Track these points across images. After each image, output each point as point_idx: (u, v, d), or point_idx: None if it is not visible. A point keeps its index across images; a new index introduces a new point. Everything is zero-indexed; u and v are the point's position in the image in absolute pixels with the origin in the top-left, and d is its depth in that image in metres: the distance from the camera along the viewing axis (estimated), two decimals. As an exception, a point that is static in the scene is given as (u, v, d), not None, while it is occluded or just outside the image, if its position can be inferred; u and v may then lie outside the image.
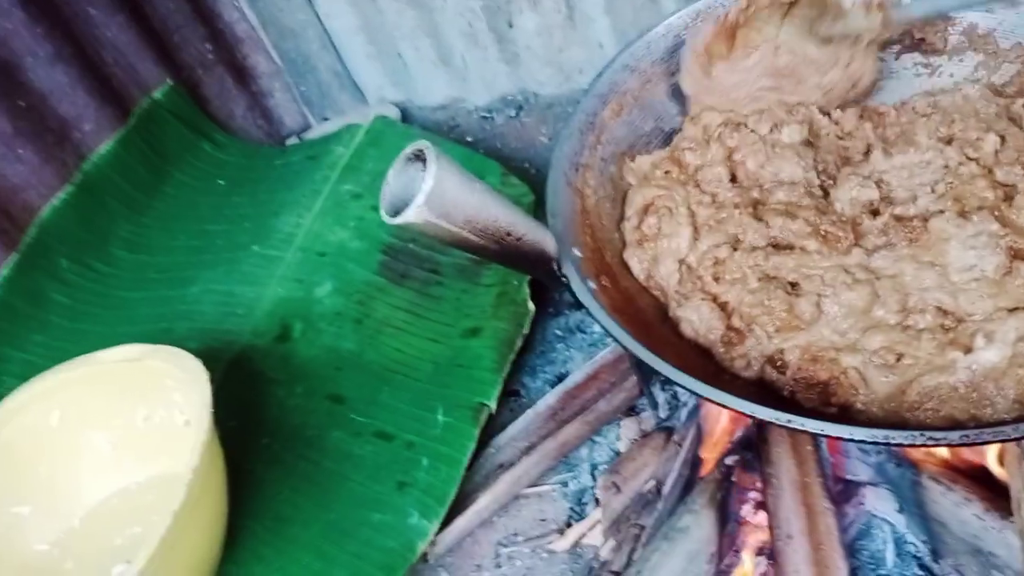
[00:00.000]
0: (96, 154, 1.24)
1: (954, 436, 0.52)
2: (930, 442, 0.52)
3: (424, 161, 0.64)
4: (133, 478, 0.99)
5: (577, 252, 0.73)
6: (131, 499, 0.99)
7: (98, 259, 1.21)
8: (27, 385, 0.95)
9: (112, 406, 0.97)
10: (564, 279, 0.69)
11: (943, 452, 0.74)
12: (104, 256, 1.22)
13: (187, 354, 0.91)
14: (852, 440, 0.54)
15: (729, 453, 0.81)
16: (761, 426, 0.79)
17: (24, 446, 0.95)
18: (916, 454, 0.75)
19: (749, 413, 0.58)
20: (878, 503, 0.77)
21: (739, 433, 0.82)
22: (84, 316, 1.16)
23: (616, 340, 0.65)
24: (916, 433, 0.53)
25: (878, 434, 0.54)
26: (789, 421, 0.56)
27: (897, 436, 0.53)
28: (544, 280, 0.72)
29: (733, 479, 0.79)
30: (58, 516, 0.97)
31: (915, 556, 0.75)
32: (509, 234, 0.67)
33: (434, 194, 0.62)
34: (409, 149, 0.66)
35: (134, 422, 0.98)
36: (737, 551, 0.77)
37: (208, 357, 0.89)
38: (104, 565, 0.95)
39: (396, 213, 0.64)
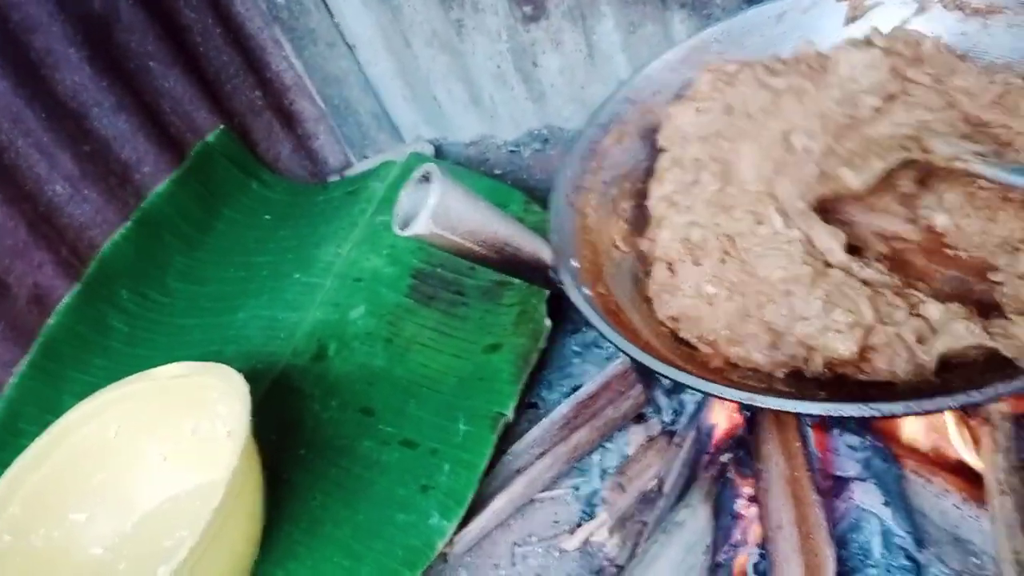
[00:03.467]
0: (154, 193, 1.35)
1: (898, 407, 0.57)
2: (876, 414, 0.57)
3: (431, 182, 0.72)
4: (181, 486, 1.07)
5: (575, 263, 0.79)
6: (179, 505, 1.06)
7: (154, 289, 1.32)
8: (88, 400, 1.03)
9: (163, 419, 1.05)
10: (559, 284, 0.76)
11: (921, 446, 0.78)
12: (160, 286, 1.32)
13: (231, 370, 0.98)
14: (804, 414, 0.59)
15: (724, 451, 0.86)
16: (752, 425, 0.84)
17: (84, 457, 1.03)
18: (898, 449, 0.79)
19: (719, 395, 0.64)
20: (865, 497, 0.80)
21: (734, 434, 0.87)
22: (141, 341, 1.26)
23: (605, 337, 0.72)
24: (862, 405, 0.58)
25: (829, 407, 0.59)
26: (752, 399, 0.62)
27: (847, 409, 0.58)
28: (543, 286, 0.79)
29: (728, 475, 0.84)
30: (113, 522, 1.04)
31: (901, 547, 0.78)
32: (508, 245, 0.74)
33: (439, 209, 0.70)
34: (418, 171, 0.75)
35: (182, 434, 1.06)
36: (731, 543, 0.81)
37: (252, 377, 0.96)
38: (153, 567, 1.01)
39: (407, 226, 0.72)
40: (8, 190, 1.17)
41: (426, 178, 0.74)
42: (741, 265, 0.76)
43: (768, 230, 0.75)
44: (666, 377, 0.66)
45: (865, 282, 0.72)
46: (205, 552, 0.84)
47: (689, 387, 0.65)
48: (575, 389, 1.07)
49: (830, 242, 0.74)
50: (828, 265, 0.74)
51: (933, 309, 0.69)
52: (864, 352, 0.68)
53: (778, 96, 0.82)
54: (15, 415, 1.13)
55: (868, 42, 0.85)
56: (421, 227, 0.70)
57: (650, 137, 0.93)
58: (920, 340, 0.67)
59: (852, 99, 0.80)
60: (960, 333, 0.66)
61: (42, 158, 1.22)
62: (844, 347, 0.68)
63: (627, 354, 0.69)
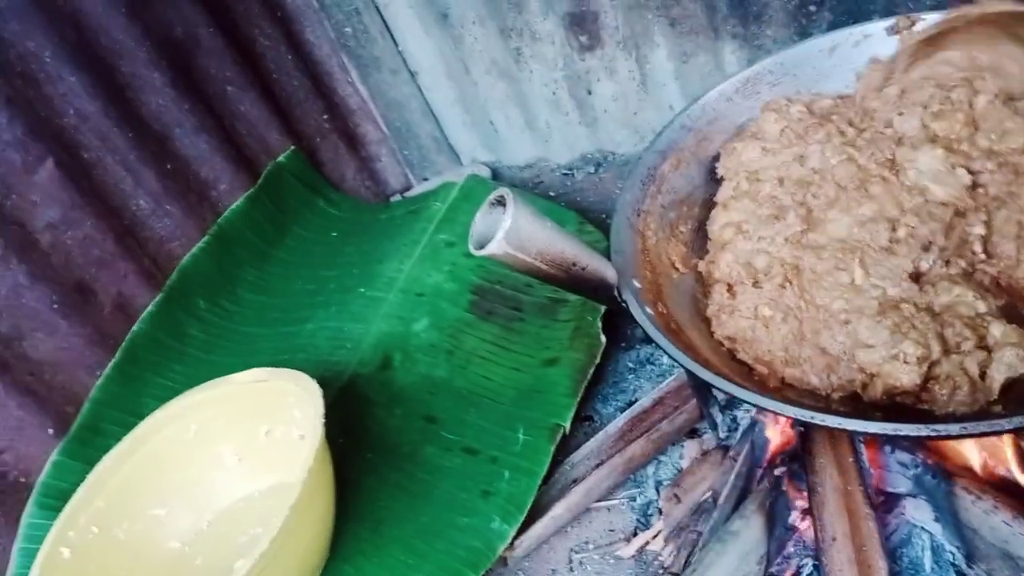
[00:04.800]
0: (229, 210, 1.42)
1: (954, 428, 0.61)
2: (932, 433, 0.61)
3: (505, 205, 0.78)
4: (255, 486, 1.12)
5: (636, 283, 0.84)
6: (253, 504, 1.12)
7: (228, 300, 1.39)
8: (170, 403, 1.09)
9: (240, 422, 1.11)
10: (623, 303, 0.81)
11: (971, 463, 0.81)
12: (233, 297, 1.39)
13: (305, 376, 1.03)
14: (861, 432, 0.63)
15: (778, 465, 0.89)
16: (806, 439, 0.87)
17: (165, 456, 1.08)
18: (948, 466, 0.82)
19: (780, 411, 0.68)
20: (917, 513, 0.84)
21: (788, 448, 0.90)
22: (216, 348, 1.33)
23: (668, 353, 0.76)
24: (921, 425, 0.61)
25: (887, 427, 0.63)
26: (812, 417, 0.66)
27: (906, 428, 0.62)
28: (607, 304, 0.84)
29: (782, 488, 0.88)
30: (190, 518, 1.10)
31: (952, 562, 0.82)
32: (575, 264, 0.79)
33: (512, 231, 0.75)
34: (493, 195, 0.80)
35: (257, 436, 1.11)
36: (785, 554, 0.85)
37: (321, 384, 1.01)
38: (228, 560, 1.06)
39: (481, 247, 0.78)
40: (97, 204, 1.25)
41: (499, 202, 0.79)
42: (800, 292, 0.80)
43: (847, 279, 0.79)
44: (727, 393, 0.70)
45: (932, 311, 0.75)
46: (280, 548, 0.89)
47: (749, 403, 0.69)
48: (629, 404, 1.12)
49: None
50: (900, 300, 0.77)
51: (996, 329, 0.71)
52: (925, 382, 0.71)
53: (866, 176, 0.85)
54: (99, 416, 1.19)
55: (929, 133, 0.87)
56: (495, 247, 0.75)
57: (706, 164, 0.98)
58: (982, 372, 0.70)
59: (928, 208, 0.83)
60: (1013, 362, 0.69)
61: (128, 175, 1.30)
62: (908, 378, 0.70)
63: (689, 370, 0.73)
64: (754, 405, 0.70)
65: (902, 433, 0.62)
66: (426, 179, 1.69)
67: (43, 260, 1.17)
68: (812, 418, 0.65)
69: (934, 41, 0.90)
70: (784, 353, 0.78)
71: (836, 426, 0.64)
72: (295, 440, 1.10)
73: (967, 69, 0.88)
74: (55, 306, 1.17)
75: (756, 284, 0.83)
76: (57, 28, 1.21)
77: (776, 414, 0.73)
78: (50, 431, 1.14)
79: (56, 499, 1.05)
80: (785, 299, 0.80)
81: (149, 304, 1.29)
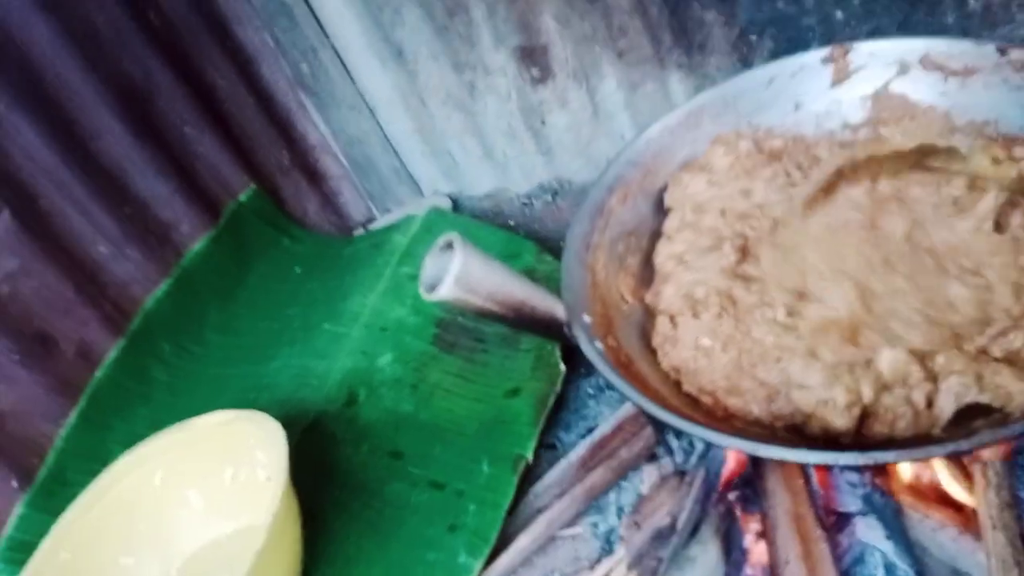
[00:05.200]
0: (191, 251, 1.42)
1: (890, 456, 0.63)
2: (871, 462, 0.63)
3: (454, 249, 0.80)
4: (222, 530, 1.12)
5: (587, 318, 0.86)
6: (220, 548, 1.11)
7: (193, 341, 1.39)
8: (133, 449, 1.09)
9: (205, 466, 1.11)
10: (573, 339, 0.83)
11: (917, 482, 0.83)
12: (198, 339, 1.39)
13: (268, 417, 1.04)
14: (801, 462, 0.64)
15: (732, 490, 0.91)
16: (757, 464, 0.89)
17: (131, 503, 1.08)
18: (895, 485, 0.84)
19: (723, 444, 0.70)
20: (868, 532, 0.86)
21: (741, 473, 0.92)
22: (182, 392, 1.33)
23: (616, 388, 0.78)
24: (858, 454, 0.63)
25: (827, 456, 0.65)
26: (755, 450, 0.68)
27: (844, 458, 0.64)
28: (558, 340, 0.86)
29: (736, 513, 0.90)
30: (158, 566, 1.10)
31: (903, 579, 0.84)
32: (524, 304, 0.81)
33: (461, 275, 0.77)
34: (442, 240, 0.82)
35: (223, 479, 1.12)
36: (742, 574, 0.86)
37: (286, 423, 1.02)
38: (198, 609, 1.09)
39: (431, 291, 0.79)
40: (55, 252, 1.25)
41: (449, 245, 0.81)
42: (736, 324, 0.82)
43: (771, 315, 0.80)
44: (674, 427, 0.72)
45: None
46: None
47: (696, 436, 0.71)
48: (591, 430, 1.13)
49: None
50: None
51: (940, 357, 0.72)
52: (864, 418, 0.72)
53: (833, 226, 0.86)
54: (64, 466, 1.19)
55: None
56: (446, 292, 0.77)
57: (653, 196, 1.00)
58: (929, 403, 0.70)
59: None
60: (960, 391, 0.70)
61: (86, 221, 1.30)
62: (841, 422, 0.71)
63: (638, 405, 0.75)
64: (701, 438, 0.72)
65: (841, 463, 0.64)
66: (389, 210, 1.70)
67: (2, 311, 1.17)
68: (755, 450, 0.67)
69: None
70: (726, 382, 0.80)
71: (777, 457, 0.66)
72: (261, 482, 1.11)
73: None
74: (15, 357, 1.17)
75: (696, 315, 0.85)
76: (12, 81, 1.21)
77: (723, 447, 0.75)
78: (14, 484, 1.13)
79: (23, 553, 1.04)
80: (723, 328, 0.82)
81: (112, 350, 1.29)
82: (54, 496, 1.14)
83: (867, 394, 0.71)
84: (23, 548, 1.06)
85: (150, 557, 1.10)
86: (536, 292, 0.82)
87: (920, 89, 0.94)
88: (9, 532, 1.10)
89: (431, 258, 0.81)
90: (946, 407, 0.68)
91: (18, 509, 1.12)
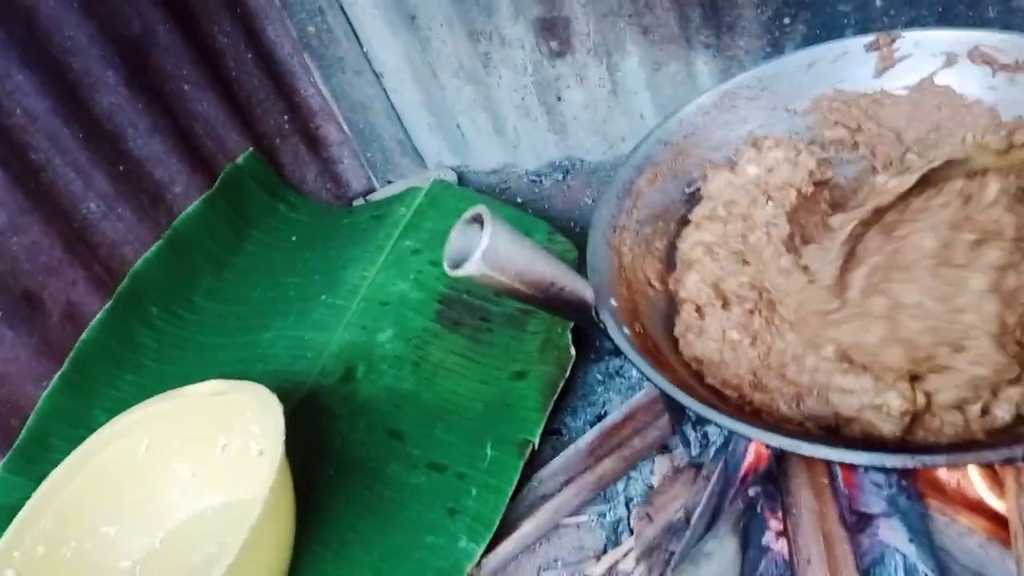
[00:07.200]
0: (185, 213, 1.38)
1: (940, 460, 0.60)
2: (920, 465, 0.60)
3: (481, 223, 0.75)
4: (209, 503, 1.09)
5: (614, 302, 0.82)
6: (207, 522, 1.08)
7: (183, 307, 1.34)
8: (122, 416, 1.05)
9: (195, 436, 1.07)
10: (601, 324, 0.79)
11: (946, 485, 0.81)
12: (189, 305, 1.35)
13: (265, 389, 1.00)
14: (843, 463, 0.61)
15: (752, 485, 0.89)
16: (781, 460, 0.86)
17: (116, 471, 1.05)
18: (923, 488, 0.82)
19: (767, 441, 0.66)
20: (891, 534, 0.83)
21: (762, 468, 0.89)
22: (170, 359, 1.28)
23: (647, 377, 0.74)
24: (906, 456, 0.61)
25: (873, 458, 0.62)
26: (798, 448, 0.64)
27: (891, 460, 0.61)
28: (584, 325, 0.82)
29: (756, 509, 0.87)
30: (142, 536, 1.06)
31: (925, 584, 0.82)
32: (553, 285, 0.77)
33: (489, 251, 0.73)
34: (469, 213, 0.77)
35: (213, 451, 1.08)
36: (759, 571, 0.84)
37: (280, 396, 0.98)
38: (182, 582, 1.05)
39: (456, 267, 0.75)
40: (44, 208, 1.20)
41: (476, 219, 0.76)
42: (768, 325, 0.78)
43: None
44: (708, 419, 0.69)
45: None
46: (239, 571, 0.86)
47: (732, 431, 0.68)
48: (599, 417, 1.10)
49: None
50: None
51: None
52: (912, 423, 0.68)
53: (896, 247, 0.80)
54: (46, 430, 1.15)
55: None
56: (472, 268, 0.73)
57: (682, 179, 0.96)
58: (984, 411, 0.67)
59: None
60: (1020, 400, 0.66)
61: (78, 177, 1.25)
62: (889, 429, 0.68)
63: (668, 394, 0.72)
64: (739, 433, 0.68)
65: (888, 465, 0.61)
66: (390, 182, 1.65)
67: (-12, 268, 1.12)
68: (797, 448, 0.64)
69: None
70: (752, 377, 0.77)
71: (820, 456, 0.63)
72: (253, 456, 1.07)
73: None
74: (0, 316, 1.11)
75: (725, 306, 0.81)
76: (5, 24, 1.15)
77: (764, 444, 0.71)
78: (-7, 446, 1.09)
79: (1, 517, 1.00)
80: (754, 325, 0.79)
81: (99, 312, 1.24)
82: (35, 461, 1.10)
83: (922, 400, 0.68)
84: (3, 511, 1.02)
85: (133, 527, 1.07)
86: (566, 273, 0.78)
87: (967, 82, 0.91)
88: (-13, 496, 1.06)
89: (456, 232, 0.77)
90: (1003, 415, 0.65)
91: (-3, 473, 1.07)
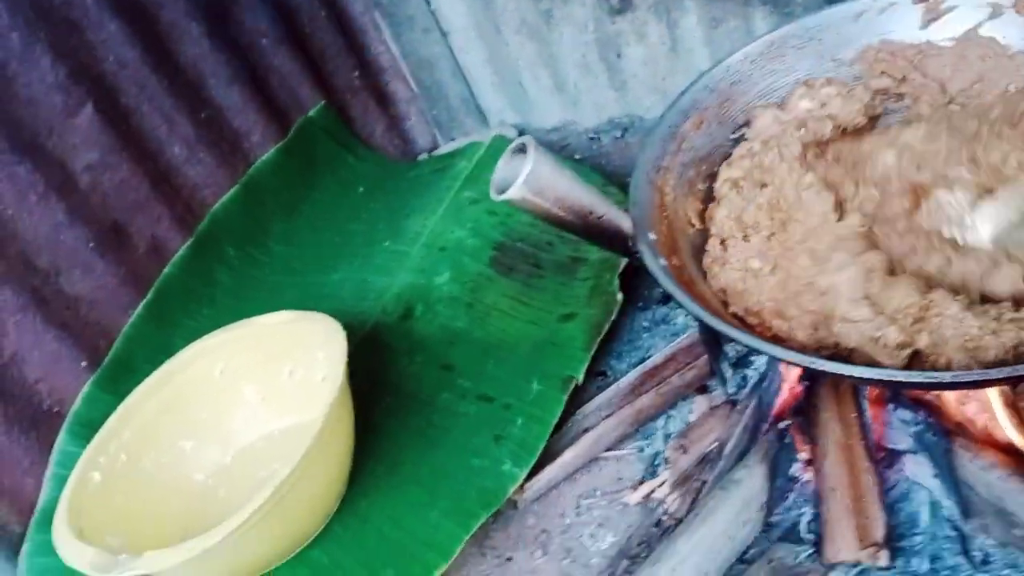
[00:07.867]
0: (260, 161, 1.46)
1: (945, 376, 0.63)
2: (924, 380, 0.63)
3: (526, 152, 0.80)
4: (276, 425, 1.16)
5: (652, 235, 0.86)
6: (273, 443, 1.15)
7: (257, 249, 1.42)
8: (199, 341, 1.13)
9: (265, 362, 1.15)
10: (637, 253, 0.83)
11: (971, 423, 0.82)
12: (262, 247, 1.43)
13: (330, 318, 1.07)
14: (865, 379, 0.64)
15: (783, 419, 0.92)
16: (811, 394, 0.90)
17: (192, 392, 1.13)
18: (949, 424, 0.84)
19: (791, 360, 0.69)
20: (916, 469, 0.86)
21: (794, 403, 0.93)
22: (243, 295, 1.37)
23: (679, 302, 0.78)
24: (916, 372, 0.63)
25: (884, 373, 0.65)
26: (819, 364, 0.68)
27: (901, 375, 0.64)
28: (621, 254, 0.86)
29: (786, 440, 0.90)
30: (214, 452, 1.14)
31: (947, 518, 0.84)
32: (592, 213, 0.82)
33: (532, 176, 0.78)
34: (515, 143, 0.83)
35: (281, 377, 1.15)
36: (786, 502, 0.87)
37: (345, 330, 1.05)
38: (249, 493, 1.12)
39: (502, 192, 0.81)
40: (133, 149, 1.29)
41: (521, 149, 0.81)
42: (783, 250, 0.81)
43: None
44: (737, 341, 0.72)
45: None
46: (300, 479, 0.93)
47: (762, 352, 0.71)
48: (643, 361, 1.14)
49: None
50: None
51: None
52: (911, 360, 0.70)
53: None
54: (130, 352, 1.24)
55: None
56: (515, 192, 0.78)
57: (728, 124, 0.99)
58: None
59: None
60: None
61: (164, 122, 1.34)
62: (889, 361, 0.70)
63: (702, 320, 0.76)
64: (764, 353, 0.72)
65: (897, 379, 0.63)
66: (453, 139, 1.71)
67: (82, 200, 1.21)
68: (819, 365, 0.67)
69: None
70: (773, 304, 0.80)
71: (845, 373, 0.66)
72: (317, 382, 1.13)
73: None
74: (92, 245, 1.21)
75: (746, 238, 0.85)
76: (99, -26, 1.24)
77: (786, 362, 0.75)
78: (83, 364, 1.19)
79: (87, 428, 1.10)
80: (772, 251, 0.82)
81: (180, 248, 1.33)
82: (119, 380, 1.19)
83: (923, 339, 0.69)
84: (88, 424, 1.11)
85: (206, 444, 1.14)
86: (604, 202, 0.82)
87: (1012, 33, 0.92)
88: (76, 409, 1.16)
89: (503, 161, 0.82)
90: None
91: (86, 388, 1.18)
